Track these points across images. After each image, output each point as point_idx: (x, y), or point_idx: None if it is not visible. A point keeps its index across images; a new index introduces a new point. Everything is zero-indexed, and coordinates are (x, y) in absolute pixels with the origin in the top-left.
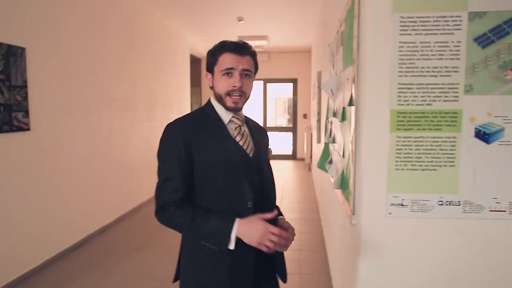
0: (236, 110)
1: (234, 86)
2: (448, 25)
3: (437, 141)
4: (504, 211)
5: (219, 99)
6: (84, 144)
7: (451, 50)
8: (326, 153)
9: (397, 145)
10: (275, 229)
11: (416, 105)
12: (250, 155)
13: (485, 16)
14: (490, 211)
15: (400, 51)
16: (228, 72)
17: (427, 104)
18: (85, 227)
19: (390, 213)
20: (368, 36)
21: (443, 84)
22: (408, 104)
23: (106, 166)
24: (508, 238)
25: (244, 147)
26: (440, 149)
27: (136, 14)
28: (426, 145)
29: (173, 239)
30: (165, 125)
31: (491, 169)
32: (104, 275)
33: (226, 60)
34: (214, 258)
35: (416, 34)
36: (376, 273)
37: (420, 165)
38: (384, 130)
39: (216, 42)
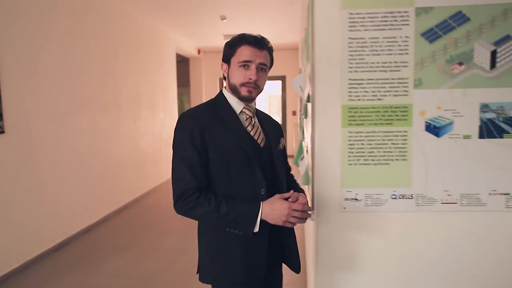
0: (249, 100)
1: (250, 79)
2: (396, 20)
3: (389, 136)
4: (455, 203)
5: (233, 89)
6: (65, 145)
7: (399, 45)
8: (300, 149)
9: (349, 140)
10: (298, 206)
11: (367, 100)
12: (261, 145)
13: (432, 12)
14: (442, 203)
15: (350, 47)
16: (245, 65)
17: (378, 99)
18: (68, 228)
19: (344, 208)
20: (318, 33)
21: (393, 79)
22: (359, 100)
23: (89, 167)
24: (460, 229)
25: (255, 137)
26: (392, 144)
27: (118, 14)
28: (378, 140)
29: (157, 238)
30: (179, 116)
31: (442, 162)
32: (86, 275)
33: (245, 52)
34: (229, 244)
35: (365, 30)
36: (333, 269)
37: (373, 160)
38: (336, 125)
39: (202, 41)
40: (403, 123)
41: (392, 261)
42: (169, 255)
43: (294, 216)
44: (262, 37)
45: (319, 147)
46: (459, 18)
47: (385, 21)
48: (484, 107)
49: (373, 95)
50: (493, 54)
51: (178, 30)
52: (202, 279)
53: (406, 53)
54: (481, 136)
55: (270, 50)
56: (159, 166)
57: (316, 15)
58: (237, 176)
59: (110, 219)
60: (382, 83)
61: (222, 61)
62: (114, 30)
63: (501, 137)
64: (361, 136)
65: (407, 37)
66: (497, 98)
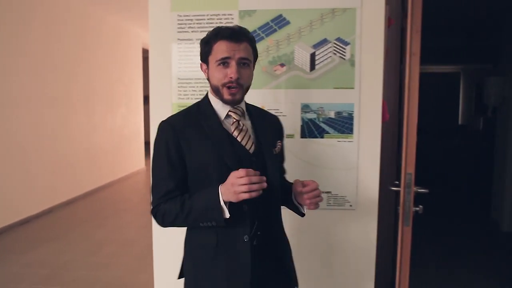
0: (234, 102)
1: (231, 78)
2: (221, 22)
3: None
4: None
5: (216, 92)
6: (7, 138)
7: None
8: None
9: None
10: (240, 172)
11: (195, 98)
12: (251, 151)
13: (254, 14)
14: None
15: (179, 48)
16: (224, 62)
17: None
18: (2, 219)
19: None
20: (152, 34)
21: None
22: (188, 98)
23: (31, 160)
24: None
25: (243, 143)
26: None
27: (77, 11)
28: None
29: (89, 231)
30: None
31: None
32: (2, 265)
33: (221, 48)
34: (211, 252)
35: (192, 31)
36: (167, 259)
37: None
38: None
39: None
40: None
41: None
42: (92, 247)
43: (241, 185)
44: (240, 28)
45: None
46: (280, 21)
47: (211, 23)
48: (305, 107)
49: (200, 94)
50: (312, 57)
51: (144, 25)
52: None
53: None
54: (303, 135)
55: (251, 41)
56: (118, 161)
57: (150, 17)
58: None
59: (54, 211)
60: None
61: (201, 61)
62: (71, 28)
63: (322, 137)
64: None
65: None
66: (317, 99)
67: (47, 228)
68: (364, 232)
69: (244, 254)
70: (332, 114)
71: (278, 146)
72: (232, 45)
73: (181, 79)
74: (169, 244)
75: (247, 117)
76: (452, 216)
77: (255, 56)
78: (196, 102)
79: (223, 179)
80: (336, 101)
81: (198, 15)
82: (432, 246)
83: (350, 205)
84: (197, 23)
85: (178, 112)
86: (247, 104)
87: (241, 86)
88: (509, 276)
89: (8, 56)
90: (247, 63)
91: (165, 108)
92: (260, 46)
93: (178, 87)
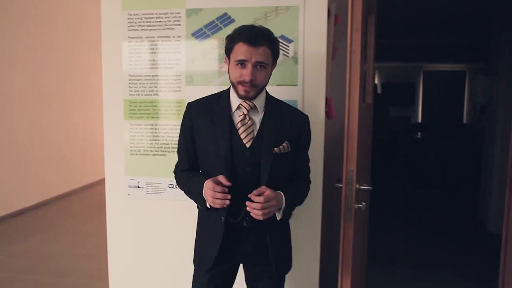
0: (247, 98)
1: (245, 78)
2: (169, 21)
3: (165, 129)
4: None
5: (233, 86)
6: (0, 132)
7: (173, 44)
8: None
9: (131, 132)
10: (218, 188)
11: (145, 95)
12: (247, 145)
13: (201, 13)
14: None
15: (129, 45)
16: (242, 63)
17: (154, 94)
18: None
19: (129, 194)
20: (104, 32)
21: (168, 76)
22: (138, 94)
23: (26, 154)
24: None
25: (242, 136)
26: (168, 136)
27: (72, 6)
28: (156, 132)
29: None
30: None
31: None
32: None
33: (240, 51)
34: (205, 218)
35: (142, 29)
36: (123, 251)
37: (151, 151)
38: (119, 118)
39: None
40: (178, 117)
41: (169, 242)
42: (77, 239)
43: (211, 196)
44: (261, 31)
45: (107, 137)
46: (225, 19)
47: (160, 21)
48: None
49: (150, 90)
50: None
51: None
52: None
53: (179, 52)
54: None
55: (271, 44)
56: None
57: (102, 14)
58: (212, 172)
59: (47, 204)
60: (158, 79)
61: (225, 54)
62: (67, 22)
63: None
64: (141, 128)
65: (179, 36)
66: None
67: (37, 221)
68: (309, 228)
69: (219, 227)
70: None
71: (284, 145)
72: (250, 48)
73: (132, 76)
74: (123, 238)
75: (261, 111)
76: (441, 215)
77: (275, 57)
78: (222, 90)
79: (216, 162)
80: (280, 98)
81: (147, 14)
82: (414, 245)
83: None
84: (146, 22)
85: (205, 96)
86: (272, 99)
87: (255, 85)
88: (489, 277)
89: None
90: (263, 65)
91: (117, 104)
92: (206, 44)
93: (129, 83)
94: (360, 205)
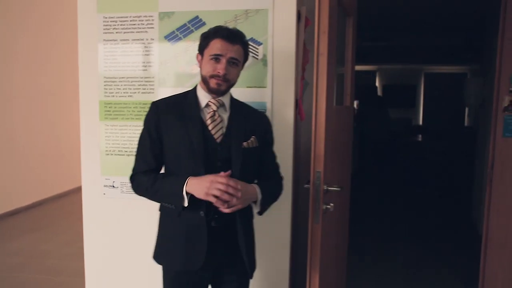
0: (218, 92)
1: (219, 72)
2: (143, 24)
3: (139, 129)
4: None
5: (204, 81)
6: None
7: (146, 47)
8: None
9: (106, 132)
10: (222, 178)
11: (119, 96)
12: (218, 141)
13: (173, 16)
14: None
15: (105, 48)
16: (216, 58)
17: (129, 96)
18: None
19: (104, 194)
20: (81, 34)
21: (141, 77)
22: (113, 96)
23: (24, 153)
24: None
25: (213, 132)
26: None
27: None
28: (130, 133)
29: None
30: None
31: None
32: None
33: (216, 46)
34: (175, 219)
35: (117, 32)
36: (99, 249)
37: (126, 151)
38: (95, 119)
39: None
40: None
41: (143, 241)
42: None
43: (217, 189)
44: (237, 31)
45: (84, 138)
46: (197, 22)
47: (134, 24)
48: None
49: (124, 92)
50: None
51: None
52: (154, 256)
53: (152, 54)
54: None
55: (244, 44)
56: None
57: (79, 17)
58: (182, 168)
59: (45, 203)
60: (132, 81)
61: (198, 52)
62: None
63: None
64: (115, 129)
65: (152, 39)
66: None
67: (33, 220)
68: (279, 229)
69: (202, 223)
70: None
71: (251, 140)
72: (226, 44)
73: (107, 78)
74: (99, 236)
75: (228, 109)
76: (434, 216)
77: (246, 58)
78: (188, 90)
79: (188, 159)
80: (250, 100)
81: (122, 17)
82: (403, 244)
83: None
84: (121, 25)
85: (170, 95)
86: (234, 100)
87: (227, 80)
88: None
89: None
90: (236, 62)
91: (93, 105)
92: (178, 47)
93: (104, 85)
94: (328, 206)
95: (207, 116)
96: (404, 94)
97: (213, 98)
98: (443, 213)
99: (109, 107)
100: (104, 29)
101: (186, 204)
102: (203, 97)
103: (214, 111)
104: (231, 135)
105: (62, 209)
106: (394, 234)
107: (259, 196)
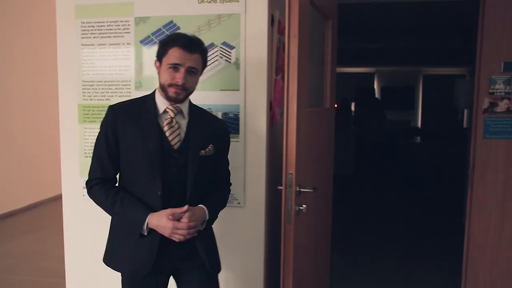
0: (176, 101)
1: (177, 82)
2: (119, 29)
3: None
4: None
5: (162, 89)
6: None
7: (122, 51)
8: None
9: (85, 135)
10: (182, 225)
11: (97, 100)
12: (175, 147)
13: (148, 21)
14: None
15: (83, 52)
16: (175, 67)
17: (106, 99)
18: None
19: (83, 195)
20: (60, 39)
21: (118, 81)
22: (91, 99)
23: (20, 155)
24: None
25: (170, 138)
26: None
27: None
28: None
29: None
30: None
31: None
32: None
33: (175, 55)
34: (124, 234)
35: (94, 37)
36: (79, 250)
37: None
38: (74, 122)
39: None
40: None
41: None
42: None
43: (179, 234)
44: (196, 39)
45: (63, 140)
46: (171, 27)
47: (111, 29)
48: None
49: (102, 96)
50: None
51: None
52: (104, 259)
53: (128, 58)
54: None
55: (202, 52)
56: None
57: (58, 23)
58: (138, 175)
59: (41, 205)
60: (109, 85)
61: (156, 58)
62: None
63: None
64: (94, 132)
65: (128, 44)
66: (205, 100)
67: (29, 222)
68: (253, 229)
69: (155, 233)
70: (219, 115)
71: (209, 148)
72: (185, 54)
73: (85, 82)
74: (79, 237)
75: (186, 116)
76: (428, 215)
77: (204, 66)
78: (146, 95)
79: (143, 164)
80: (223, 103)
81: (99, 22)
82: (398, 247)
83: (238, 203)
84: (98, 30)
85: (129, 100)
86: (194, 106)
87: (185, 89)
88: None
89: None
90: (195, 71)
91: (72, 108)
92: (153, 51)
93: (83, 89)
94: (301, 208)
95: (164, 122)
96: (403, 96)
97: (171, 104)
98: (438, 215)
99: (88, 110)
100: (82, 34)
101: (145, 234)
102: (161, 104)
103: (171, 117)
104: (189, 142)
105: (57, 211)
106: (387, 236)
107: (206, 217)
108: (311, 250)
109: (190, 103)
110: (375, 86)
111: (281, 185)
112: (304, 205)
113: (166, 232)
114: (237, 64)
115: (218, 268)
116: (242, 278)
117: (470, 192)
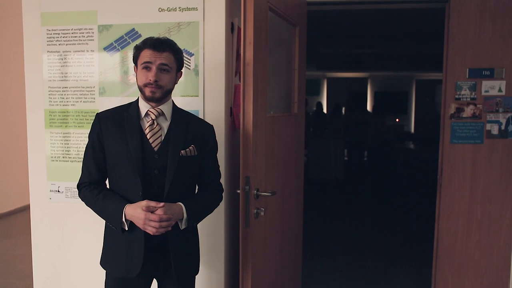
0: (153, 99)
1: (150, 80)
2: (83, 36)
3: (81, 137)
4: None
5: (140, 90)
6: None
7: (87, 58)
8: None
9: (51, 139)
10: (154, 217)
11: (63, 105)
12: (155, 149)
13: (111, 29)
14: None
15: (49, 59)
16: (147, 66)
17: (71, 105)
18: None
19: (50, 198)
20: (27, 48)
21: (83, 87)
22: (57, 105)
23: (8, 158)
24: None
25: (151, 140)
26: (84, 143)
27: None
28: (73, 140)
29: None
30: None
31: None
32: None
33: (146, 55)
34: (115, 239)
35: (59, 44)
36: (47, 252)
37: (69, 157)
38: (41, 126)
39: None
40: None
41: (86, 244)
42: None
43: (151, 226)
44: (165, 40)
45: (31, 144)
46: (133, 34)
47: (75, 36)
48: None
49: (67, 101)
50: None
51: None
52: (100, 262)
53: (92, 65)
54: None
55: (174, 51)
56: None
57: (24, 30)
58: (121, 177)
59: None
60: (74, 90)
61: (133, 63)
62: None
63: None
64: (60, 136)
65: (92, 51)
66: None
67: (12, 226)
68: (212, 233)
69: (140, 237)
70: None
71: (190, 149)
72: (154, 53)
73: (51, 87)
74: (46, 240)
75: (169, 118)
76: (413, 223)
77: (179, 64)
78: (132, 101)
79: (125, 166)
80: (183, 108)
81: (64, 29)
82: (381, 251)
83: None
84: (63, 37)
85: (115, 107)
86: (178, 109)
87: (160, 87)
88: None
89: None
90: (167, 69)
91: (39, 113)
92: (116, 58)
93: (49, 94)
94: (259, 211)
95: (146, 125)
96: (396, 101)
97: (153, 107)
98: (425, 221)
99: (54, 115)
100: (47, 41)
101: (126, 228)
102: (143, 107)
103: (153, 119)
104: (169, 143)
105: None
106: (371, 239)
107: (184, 215)
108: (275, 254)
109: (174, 106)
110: (369, 91)
111: (239, 189)
112: (262, 208)
113: (140, 223)
114: (196, 71)
115: (193, 272)
116: (203, 280)
117: (438, 196)
